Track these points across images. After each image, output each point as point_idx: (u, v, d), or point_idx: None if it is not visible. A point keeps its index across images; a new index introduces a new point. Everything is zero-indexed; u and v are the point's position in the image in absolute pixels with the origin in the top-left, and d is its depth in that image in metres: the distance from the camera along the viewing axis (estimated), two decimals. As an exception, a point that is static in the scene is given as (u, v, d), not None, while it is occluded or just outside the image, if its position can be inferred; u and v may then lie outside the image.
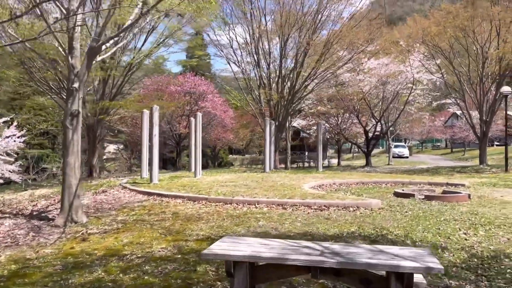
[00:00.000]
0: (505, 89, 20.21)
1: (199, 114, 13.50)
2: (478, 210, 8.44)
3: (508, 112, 21.69)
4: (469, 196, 10.21)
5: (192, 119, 13.50)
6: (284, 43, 19.27)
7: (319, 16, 18.57)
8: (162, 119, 27.76)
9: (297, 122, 37.68)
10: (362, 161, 33.44)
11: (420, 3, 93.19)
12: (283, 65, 20.08)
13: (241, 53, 21.36)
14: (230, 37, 20.50)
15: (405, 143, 57.79)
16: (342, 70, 21.04)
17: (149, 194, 9.76)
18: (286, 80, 20.72)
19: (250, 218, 7.26)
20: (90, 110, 16.68)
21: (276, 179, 12.91)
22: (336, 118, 32.93)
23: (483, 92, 23.36)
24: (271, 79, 20.65)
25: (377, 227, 6.61)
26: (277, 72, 20.23)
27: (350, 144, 46.28)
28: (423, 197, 10.19)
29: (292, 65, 19.91)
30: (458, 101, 26.22)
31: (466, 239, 5.90)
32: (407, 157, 43.70)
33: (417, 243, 5.70)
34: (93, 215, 8.01)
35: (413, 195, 10.27)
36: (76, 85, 7.38)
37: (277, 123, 20.09)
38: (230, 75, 27.65)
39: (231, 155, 54.35)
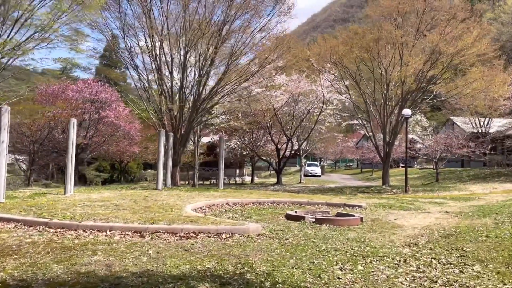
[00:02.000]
0: (406, 111, 20.77)
1: (73, 120, 11.56)
2: (366, 236, 7.64)
3: (411, 136, 22.47)
4: (361, 219, 9.50)
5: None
6: (187, 50, 17.93)
7: (226, 26, 17.59)
8: (55, 128, 24.83)
9: (212, 137, 36.44)
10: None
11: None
12: (186, 73, 18.69)
13: (143, 58, 19.65)
14: (126, 38, 18.60)
15: (320, 162, 59.19)
16: (250, 83, 20.22)
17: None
18: (190, 89, 19.37)
19: (86, 250, 5.64)
20: None
21: (160, 198, 11.34)
22: (250, 135, 32.24)
23: (386, 114, 23.98)
24: (173, 88, 19.14)
25: (241, 261, 5.36)
26: (180, 80, 18.80)
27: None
28: (314, 220, 9.28)
29: (197, 74, 18.61)
30: (364, 122, 26.81)
31: (339, 278, 4.85)
32: (319, 176, 44.39)
33: (278, 285, 4.51)
34: None
35: (303, 218, 9.33)
36: None
37: (179, 136, 18.55)
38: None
39: (144, 170, 51.35)
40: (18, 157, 37.82)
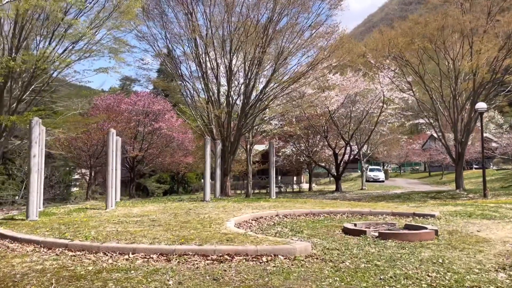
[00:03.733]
0: (480, 105, 18.35)
1: (112, 131, 11.01)
2: (445, 255, 6.09)
3: (484, 134, 19.91)
4: (436, 232, 7.87)
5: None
6: (232, 53, 17.07)
7: (272, 24, 16.49)
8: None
9: (266, 145, 35.46)
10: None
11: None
12: (232, 78, 17.82)
13: (189, 65, 19.11)
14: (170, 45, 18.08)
15: (382, 167, 56.02)
16: (300, 84, 18.88)
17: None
18: (238, 95, 18.48)
19: (97, 281, 4.72)
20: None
21: (204, 211, 10.40)
22: (305, 140, 30.83)
23: (457, 110, 21.53)
24: (220, 94, 18.39)
25: (280, 296, 4.14)
26: (227, 86, 18.01)
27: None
28: (377, 234, 7.80)
29: (243, 79, 17.70)
30: (432, 121, 24.36)
31: (414, 325, 3.48)
32: (382, 181, 41.75)
33: (326, 338, 3.24)
34: None
35: (364, 232, 7.88)
36: None
37: (227, 144, 17.68)
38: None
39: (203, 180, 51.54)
40: (84, 171, 39.10)
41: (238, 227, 8.48)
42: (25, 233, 7.08)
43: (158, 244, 6.09)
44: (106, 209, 10.86)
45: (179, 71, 18.44)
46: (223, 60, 17.51)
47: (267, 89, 17.68)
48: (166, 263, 5.45)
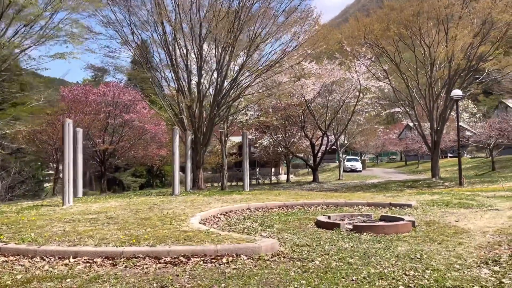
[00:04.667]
0: (456, 92, 18.14)
1: (68, 121, 10.14)
2: (422, 249, 5.62)
3: (460, 123, 19.75)
4: (413, 223, 7.43)
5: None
6: (202, 40, 16.22)
7: (245, 10, 15.71)
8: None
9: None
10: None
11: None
12: (203, 65, 17.00)
13: (158, 53, 18.13)
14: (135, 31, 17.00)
15: (360, 157, 56.15)
16: (274, 73, 18.21)
17: None
18: (209, 83, 17.69)
19: (21, 291, 4.01)
20: None
21: (169, 206, 9.71)
22: (283, 131, 30.31)
23: (432, 99, 21.34)
24: (190, 83, 17.54)
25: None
26: (197, 74, 17.15)
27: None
28: (352, 227, 7.29)
29: (215, 66, 16.88)
30: (408, 110, 24.16)
31: None
32: (360, 171, 41.73)
33: None
34: None
35: (338, 225, 7.36)
36: None
37: (199, 135, 16.92)
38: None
39: (182, 172, 50.62)
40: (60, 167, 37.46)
41: (203, 223, 7.86)
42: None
43: (105, 246, 5.39)
44: (63, 205, 10.04)
45: (145, 59, 17.47)
46: (192, 47, 16.67)
47: (240, 77, 16.96)
48: (111, 268, 4.77)
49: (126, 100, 25.42)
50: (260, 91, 19.87)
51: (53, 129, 21.46)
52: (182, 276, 4.45)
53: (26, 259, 5.12)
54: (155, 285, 4.17)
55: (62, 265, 4.89)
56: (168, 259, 5.02)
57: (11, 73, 14.38)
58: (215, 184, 32.99)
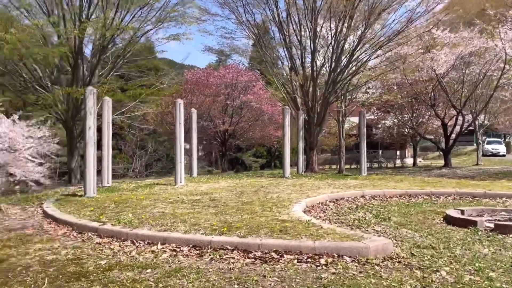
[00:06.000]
0: None
1: (180, 101, 10.20)
2: None
3: None
4: None
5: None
6: (316, 12, 14.97)
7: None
8: (201, 116, 24.94)
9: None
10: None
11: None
12: (318, 40, 15.83)
13: (271, 29, 17.47)
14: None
15: (503, 139, 48.80)
16: (397, 44, 16.16)
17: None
18: (324, 59, 16.47)
19: (96, 282, 3.73)
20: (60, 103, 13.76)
21: (276, 190, 9.15)
22: (409, 110, 27.56)
23: None
24: (304, 59, 16.56)
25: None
26: (311, 50, 16.05)
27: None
28: (493, 226, 5.75)
29: (329, 40, 15.58)
30: None
31: None
32: (503, 155, 36.26)
33: None
34: None
35: (475, 223, 5.89)
36: None
37: (313, 114, 15.98)
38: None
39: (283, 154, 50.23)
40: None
41: (309, 211, 7.09)
42: (67, 213, 6.54)
43: (194, 233, 4.98)
44: (175, 185, 10.22)
45: (259, 38, 17.02)
46: (306, 22, 15.65)
47: (358, 51, 15.44)
48: (195, 260, 4.30)
49: (243, 80, 25.71)
50: (382, 66, 18.00)
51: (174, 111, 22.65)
52: (270, 277, 3.74)
53: (118, 242, 4.99)
54: (236, 286, 3.55)
55: (149, 251, 4.59)
56: (258, 253, 4.37)
57: (138, 58, 15.39)
58: (333, 167, 31.83)
